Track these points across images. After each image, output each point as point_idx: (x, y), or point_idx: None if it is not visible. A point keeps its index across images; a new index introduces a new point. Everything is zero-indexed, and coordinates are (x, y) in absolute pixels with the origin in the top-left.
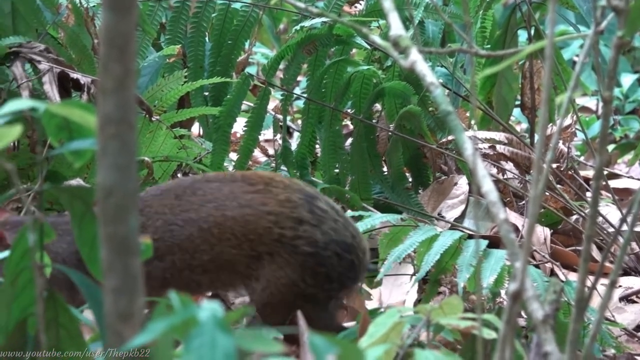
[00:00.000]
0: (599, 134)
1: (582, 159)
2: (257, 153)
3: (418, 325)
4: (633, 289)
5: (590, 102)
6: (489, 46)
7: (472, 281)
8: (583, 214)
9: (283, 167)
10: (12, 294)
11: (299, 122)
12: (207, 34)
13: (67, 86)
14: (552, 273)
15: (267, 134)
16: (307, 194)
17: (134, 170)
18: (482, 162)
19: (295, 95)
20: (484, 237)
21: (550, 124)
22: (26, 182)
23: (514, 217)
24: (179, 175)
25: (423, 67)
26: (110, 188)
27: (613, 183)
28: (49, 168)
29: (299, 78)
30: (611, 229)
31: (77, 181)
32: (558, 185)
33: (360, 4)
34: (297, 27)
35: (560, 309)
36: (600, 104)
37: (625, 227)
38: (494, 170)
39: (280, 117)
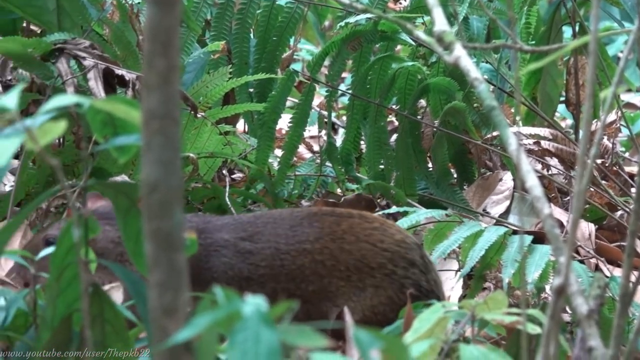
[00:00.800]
0: None
1: (626, 154)
2: (301, 149)
3: (463, 320)
4: None
5: (635, 98)
6: (533, 42)
7: (517, 277)
8: (628, 210)
9: (328, 163)
10: (57, 289)
11: (344, 118)
12: (252, 30)
13: (112, 82)
14: (597, 268)
15: (312, 130)
16: (417, 241)
17: (178, 165)
18: (526, 158)
19: (340, 92)
20: (528, 233)
21: (595, 120)
22: (71, 178)
23: (559, 213)
24: (223, 171)
25: (467, 63)
26: (155, 183)
27: None
28: (94, 164)
29: (344, 74)
30: None
31: (122, 177)
32: (603, 181)
33: (405, 1)
34: (342, 24)
35: (604, 304)
36: None
37: None
38: (539, 166)
39: (325, 113)
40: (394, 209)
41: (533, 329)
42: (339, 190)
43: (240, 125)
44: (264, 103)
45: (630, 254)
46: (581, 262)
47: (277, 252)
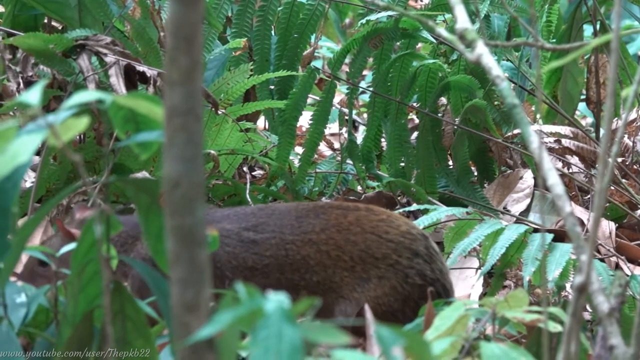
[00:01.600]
0: None
1: None
2: (322, 147)
3: (483, 318)
4: None
5: None
6: (554, 40)
7: (538, 275)
8: None
9: (349, 161)
10: (78, 286)
11: (365, 115)
12: (273, 27)
13: (133, 79)
14: (617, 267)
15: (332, 127)
16: (423, 233)
17: (200, 161)
18: (548, 156)
19: (360, 89)
20: (549, 231)
21: (616, 118)
22: (92, 174)
23: (579, 211)
24: (244, 168)
25: (489, 60)
26: (177, 179)
27: None
28: (115, 161)
29: (365, 72)
30: None
31: (143, 174)
32: (623, 180)
33: None
34: (363, 21)
35: (625, 303)
36: None
37: None
38: (559, 164)
39: (346, 110)
40: (414, 207)
41: (554, 327)
42: (359, 188)
43: (261, 122)
44: (285, 100)
45: None
46: (601, 260)
47: (282, 242)
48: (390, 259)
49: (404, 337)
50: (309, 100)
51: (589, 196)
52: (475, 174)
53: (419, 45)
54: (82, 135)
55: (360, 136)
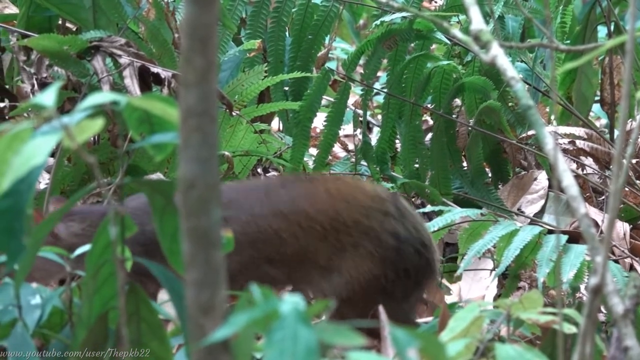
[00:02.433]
0: None
1: None
2: (336, 148)
3: (498, 319)
4: None
5: None
6: (568, 42)
7: (552, 276)
8: None
9: (363, 162)
10: (93, 287)
11: (379, 117)
12: (287, 28)
13: (147, 80)
14: (632, 268)
15: (346, 129)
16: (392, 193)
17: (216, 162)
18: (562, 157)
19: (375, 90)
20: (563, 232)
21: (630, 119)
22: (106, 176)
23: (594, 213)
24: (259, 170)
25: (504, 62)
26: (192, 181)
27: None
28: (129, 162)
29: (379, 73)
30: None
31: (157, 175)
32: (637, 181)
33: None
34: (378, 22)
35: None
36: None
37: None
38: (574, 166)
39: (360, 112)
40: (429, 208)
41: (569, 329)
42: None
43: (275, 123)
44: (299, 102)
45: None
46: (616, 261)
47: (253, 217)
48: (362, 225)
49: (419, 339)
50: (323, 102)
51: (603, 197)
52: (490, 175)
53: (433, 46)
54: (96, 137)
55: (374, 137)
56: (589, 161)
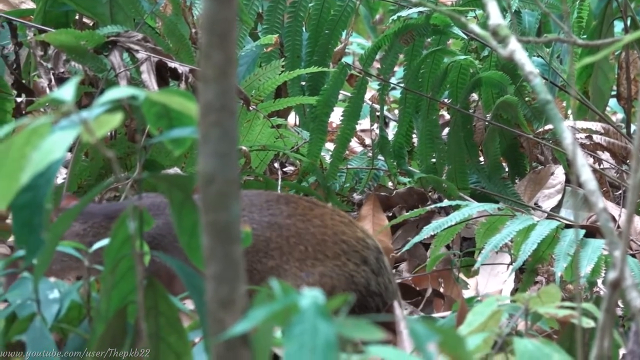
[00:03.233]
0: None
1: None
2: (353, 143)
3: (516, 314)
4: None
5: None
6: (585, 36)
7: (569, 270)
8: None
9: (380, 157)
10: (112, 282)
11: (396, 112)
12: (304, 23)
13: (164, 75)
14: None
15: (363, 123)
16: (378, 246)
17: (235, 157)
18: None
19: (392, 85)
20: (581, 227)
21: None
22: (123, 171)
23: (611, 207)
24: (275, 164)
25: (522, 56)
26: (212, 175)
27: None
28: (147, 157)
29: (396, 68)
30: None
31: (174, 170)
32: None
33: None
34: (394, 17)
35: None
36: None
37: None
38: (591, 160)
39: (377, 106)
40: (445, 203)
41: (587, 323)
42: (390, 184)
43: (292, 118)
44: (316, 96)
45: None
46: (633, 256)
47: (250, 220)
48: (339, 261)
49: (439, 333)
50: (340, 97)
51: (620, 192)
52: (507, 170)
53: (450, 41)
54: (113, 132)
55: (391, 132)
56: (605, 156)
